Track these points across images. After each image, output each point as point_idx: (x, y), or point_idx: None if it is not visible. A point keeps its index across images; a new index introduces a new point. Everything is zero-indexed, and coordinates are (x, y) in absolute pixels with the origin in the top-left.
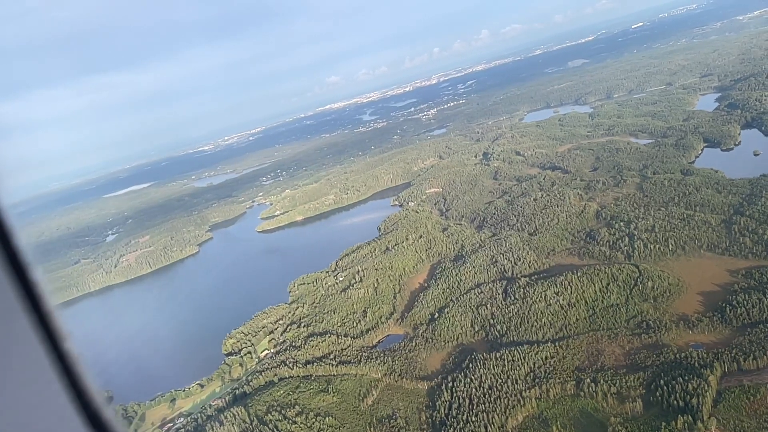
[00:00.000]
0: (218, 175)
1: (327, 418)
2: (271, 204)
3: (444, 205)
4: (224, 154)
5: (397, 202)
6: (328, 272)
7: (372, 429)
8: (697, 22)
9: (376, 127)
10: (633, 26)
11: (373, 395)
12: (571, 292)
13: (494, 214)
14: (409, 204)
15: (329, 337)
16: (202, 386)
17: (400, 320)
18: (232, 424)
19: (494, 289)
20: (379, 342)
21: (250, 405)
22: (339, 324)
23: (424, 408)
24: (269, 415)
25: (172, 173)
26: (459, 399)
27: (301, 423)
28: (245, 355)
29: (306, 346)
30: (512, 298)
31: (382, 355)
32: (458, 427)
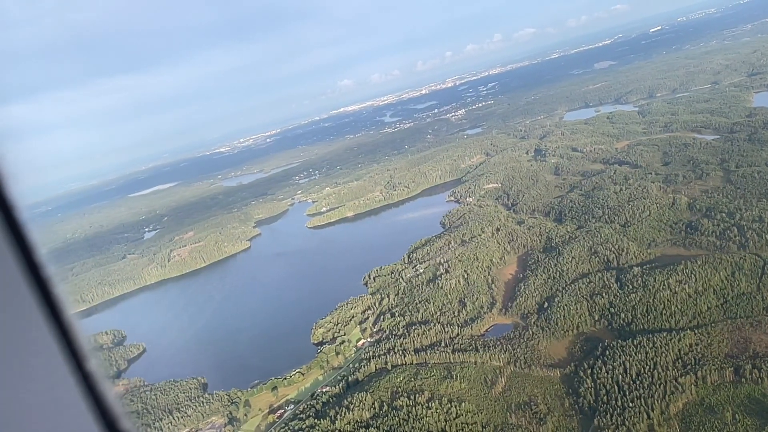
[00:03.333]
0: (245, 175)
1: (463, 404)
2: (314, 201)
3: (508, 200)
4: (244, 155)
5: (452, 198)
6: (402, 264)
7: (512, 415)
8: (723, 25)
9: (403, 127)
10: (651, 30)
11: (501, 382)
12: (696, 281)
13: (572, 207)
14: (468, 199)
15: (434, 326)
16: (302, 374)
17: (503, 310)
18: (360, 409)
19: (605, 278)
20: (486, 331)
21: (371, 391)
22: (437, 314)
23: (564, 395)
24: (397, 400)
25: (194, 173)
26: (605, 386)
27: (436, 408)
28: (341, 343)
29: (411, 335)
30: (630, 287)
31: (498, 343)
32: (615, 413)
